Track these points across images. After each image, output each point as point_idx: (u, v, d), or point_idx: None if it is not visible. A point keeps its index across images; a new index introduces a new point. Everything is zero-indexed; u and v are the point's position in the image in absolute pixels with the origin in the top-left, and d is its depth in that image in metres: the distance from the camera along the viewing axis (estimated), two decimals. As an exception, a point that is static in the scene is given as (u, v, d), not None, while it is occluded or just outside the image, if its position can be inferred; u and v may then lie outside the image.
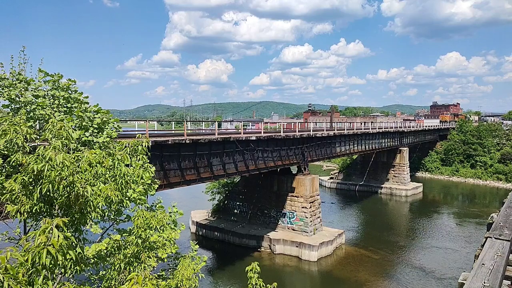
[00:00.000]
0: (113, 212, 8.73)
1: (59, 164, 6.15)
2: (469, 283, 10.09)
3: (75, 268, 5.93)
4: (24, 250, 4.91)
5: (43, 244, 4.66)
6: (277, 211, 42.05)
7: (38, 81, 11.78)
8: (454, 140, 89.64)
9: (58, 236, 4.78)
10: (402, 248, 40.73)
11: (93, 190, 6.67)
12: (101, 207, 7.23)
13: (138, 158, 8.67)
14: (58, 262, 4.83)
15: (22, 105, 10.83)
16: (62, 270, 5.78)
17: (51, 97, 11.53)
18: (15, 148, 7.09)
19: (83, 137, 10.38)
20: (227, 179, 44.11)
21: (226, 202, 46.87)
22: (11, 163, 7.23)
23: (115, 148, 8.60)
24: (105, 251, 8.74)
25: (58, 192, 6.43)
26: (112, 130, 11.58)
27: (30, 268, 4.82)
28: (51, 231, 4.77)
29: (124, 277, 7.99)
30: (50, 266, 4.80)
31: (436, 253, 39.15)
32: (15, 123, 7.24)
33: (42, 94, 11.37)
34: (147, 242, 8.56)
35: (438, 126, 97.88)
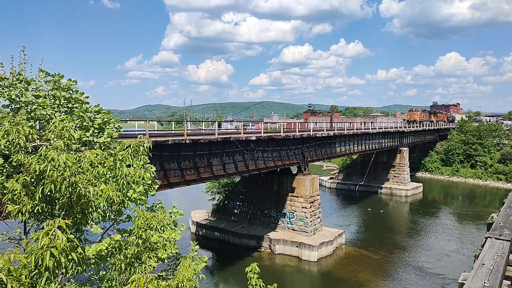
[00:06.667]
0: (114, 212, 8.74)
1: (62, 164, 6.16)
2: (469, 283, 10.11)
3: (77, 268, 5.95)
4: (27, 252, 4.93)
5: (46, 246, 4.68)
6: (277, 211, 42.05)
7: (39, 81, 11.78)
8: (454, 140, 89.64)
9: (62, 238, 4.79)
10: (402, 248, 40.74)
11: (94, 191, 6.68)
12: (102, 207, 7.25)
13: (139, 159, 8.68)
14: (61, 264, 4.84)
15: (23, 105, 10.82)
16: (64, 271, 5.80)
17: (52, 97, 11.53)
18: (17, 148, 7.10)
19: (83, 137, 10.38)
20: (227, 179, 44.11)
21: (226, 202, 46.87)
22: (12, 163, 7.24)
23: (116, 148, 8.61)
24: (105, 251, 8.75)
25: (60, 192, 6.45)
26: (113, 130, 11.58)
27: (33, 270, 4.83)
28: (54, 233, 4.79)
29: (125, 278, 8.00)
30: (53, 268, 4.81)
31: (436, 253, 39.16)
32: (17, 123, 7.24)
33: (43, 94, 11.36)
34: (148, 243, 8.56)
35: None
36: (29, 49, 12.25)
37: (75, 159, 6.96)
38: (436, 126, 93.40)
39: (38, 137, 8.33)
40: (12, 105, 10.97)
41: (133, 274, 7.38)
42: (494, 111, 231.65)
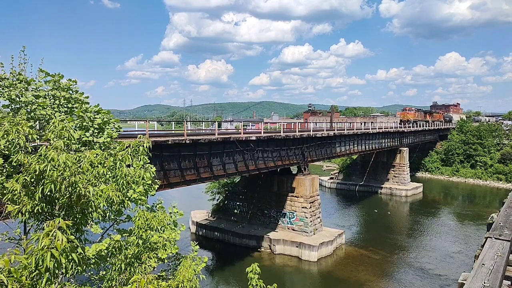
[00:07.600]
0: (113, 212, 8.73)
1: (61, 164, 6.16)
2: (469, 283, 10.12)
3: (77, 269, 5.95)
4: (27, 253, 4.92)
5: (46, 247, 4.67)
6: (277, 211, 42.05)
7: (39, 81, 11.77)
8: (454, 140, 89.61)
9: (62, 239, 4.79)
10: (402, 248, 40.73)
11: (94, 191, 6.67)
12: (102, 207, 7.24)
13: (139, 159, 8.67)
14: (61, 265, 4.84)
15: (23, 105, 10.81)
16: (64, 271, 5.79)
17: (52, 97, 11.52)
18: (17, 148, 7.10)
19: (83, 137, 10.37)
20: (227, 179, 44.11)
21: (226, 202, 46.87)
22: (12, 163, 7.24)
23: (116, 148, 8.60)
24: (105, 251, 8.74)
25: (60, 192, 6.45)
26: (113, 130, 11.57)
27: (33, 271, 4.83)
28: (54, 234, 4.78)
29: (125, 278, 7.99)
30: (53, 268, 4.81)
31: (436, 253, 39.15)
32: (17, 123, 7.23)
33: (42, 94, 11.35)
34: (148, 243, 8.56)
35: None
36: (29, 49, 12.23)
37: (75, 159, 6.95)
38: (432, 126, 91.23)
39: (38, 137, 8.32)
40: (12, 105, 10.94)
41: (133, 274, 7.38)
42: (494, 111, 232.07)
